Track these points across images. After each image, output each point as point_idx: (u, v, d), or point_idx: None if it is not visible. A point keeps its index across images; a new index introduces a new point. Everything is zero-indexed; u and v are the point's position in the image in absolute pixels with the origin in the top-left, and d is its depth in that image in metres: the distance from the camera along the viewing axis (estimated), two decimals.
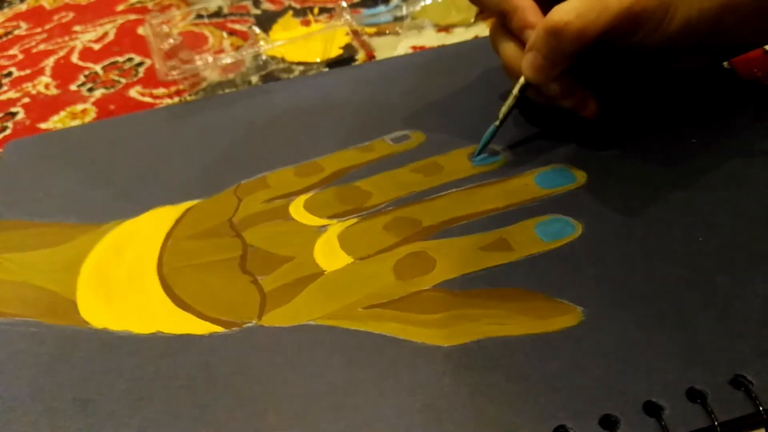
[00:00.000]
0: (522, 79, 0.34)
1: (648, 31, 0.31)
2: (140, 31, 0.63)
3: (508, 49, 0.36)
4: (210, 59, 0.51)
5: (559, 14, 0.30)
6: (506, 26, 0.35)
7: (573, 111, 0.35)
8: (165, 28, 0.54)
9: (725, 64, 0.43)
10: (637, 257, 0.29)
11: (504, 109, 0.35)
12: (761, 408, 0.22)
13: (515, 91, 0.35)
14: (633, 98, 0.39)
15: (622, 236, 0.30)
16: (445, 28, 0.54)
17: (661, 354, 0.25)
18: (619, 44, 0.32)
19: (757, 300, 0.26)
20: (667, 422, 0.22)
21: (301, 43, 0.54)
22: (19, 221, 0.37)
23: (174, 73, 0.48)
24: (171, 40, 0.52)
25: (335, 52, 0.51)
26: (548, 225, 0.31)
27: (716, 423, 0.22)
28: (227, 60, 0.52)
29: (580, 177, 0.34)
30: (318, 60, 0.52)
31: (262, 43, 0.53)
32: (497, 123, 0.36)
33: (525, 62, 0.33)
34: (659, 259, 0.29)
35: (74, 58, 0.60)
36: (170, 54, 0.51)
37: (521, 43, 0.35)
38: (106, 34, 0.64)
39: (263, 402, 0.25)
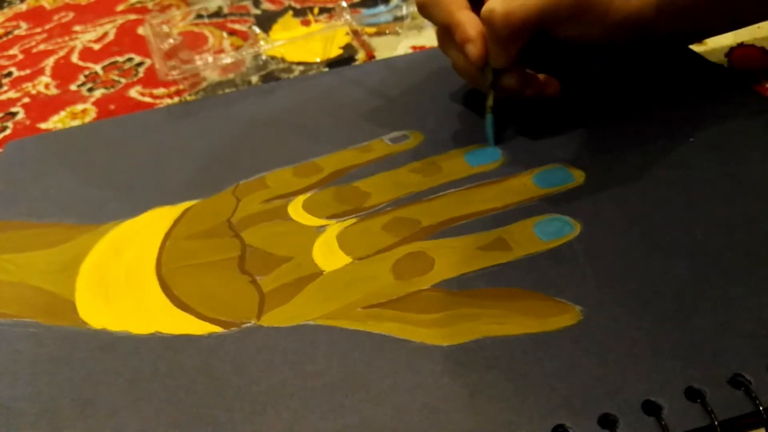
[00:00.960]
0: (489, 69, 0.37)
1: (588, 23, 0.34)
2: (140, 31, 0.63)
3: (454, 54, 0.38)
4: (210, 59, 0.51)
5: (488, 4, 0.33)
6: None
7: (537, 96, 0.38)
8: (165, 28, 0.54)
9: (725, 64, 0.43)
10: (636, 256, 0.29)
11: (489, 103, 0.37)
12: (761, 407, 0.22)
13: (489, 78, 0.37)
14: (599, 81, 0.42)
15: (621, 235, 0.30)
16: None
17: (660, 353, 0.25)
18: (562, 35, 0.35)
19: (755, 299, 0.26)
20: (666, 421, 0.22)
21: (301, 43, 0.54)
22: (18, 222, 0.37)
23: (174, 73, 0.48)
24: (171, 40, 0.52)
25: (335, 52, 0.51)
26: (547, 224, 0.31)
27: (716, 422, 0.22)
28: (227, 60, 0.52)
29: (579, 176, 0.34)
30: (318, 60, 0.52)
31: (262, 43, 0.53)
32: (490, 114, 0.37)
33: (470, 48, 0.35)
34: (658, 258, 0.29)
35: (74, 58, 0.60)
36: (170, 54, 0.51)
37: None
38: (106, 34, 0.64)
39: (262, 402, 0.25)
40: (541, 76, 0.38)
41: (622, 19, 0.34)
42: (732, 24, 0.39)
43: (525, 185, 0.34)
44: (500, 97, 0.38)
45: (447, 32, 0.37)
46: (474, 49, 0.35)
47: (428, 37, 0.53)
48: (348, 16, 0.53)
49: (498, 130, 0.38)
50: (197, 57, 0.53)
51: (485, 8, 0.34)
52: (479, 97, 0.41)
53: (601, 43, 0.36)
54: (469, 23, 0.35)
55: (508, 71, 0.36)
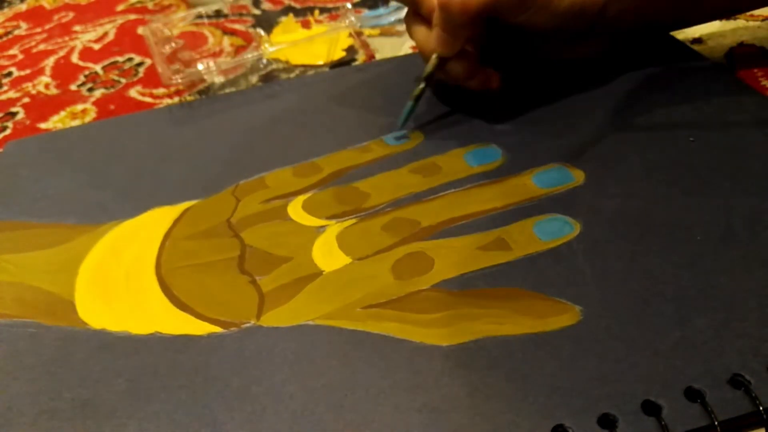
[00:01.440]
0: (433, 59, 0.38)
1: (536, 9, 0.36)
2: (140, 31, 0.63)
3: (420, 33, 0.39)
4: (212, 64, 0.51)
5: None
6: (418, 13, 0.39)
7: (479, 88, 0.39)
8: (165, 31, 0.54)
9: (725, 64, 0.43)
10: (636, 256, 0.29)
11: (416, 92, 0.39)
12: (761, 407, 0.22)
13: (428, 69, 0.38)
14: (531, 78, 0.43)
15: (621, 235, 0.30)
16: None
17: (660, 353, 0.25)
18: (512, 21, 0.37)
19: (755, 299, 0.26)
20: (666, 421, 0.22)
21: (305, 45, 0.54)
22: (17, 222, 0.37)
23: (178, 77, 0.48)
24: (173, 44, 0.52)
25: (338, 54, 0.51)
26: (546, 224, 0.31)
27: (716, 422, 0.22)
28: (231, 65, 0.52)
29: (578, 176, 0.34)
30: (321, 62, 0.52)
31: (266, 45, 0.53)
32: (412, 102, 0.39)
33: (432, 37, 0.37)
34: (657, 258, 0.29)
35: (74, 58, 0.60)
36: (171, 56, 0.51)
37: (431, 27, 0.38)
38: (106, 34, 0.64)
39: (262, 402, 0.25)
40: (489, 70, 0.39)
41: (568, 5, 0.36)
42: (689, 19, 0.41)
43: (525, 185, 0.34)
44: (443, 81, 0.39)
45: (414, 9, 0.40)
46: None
47: None
48: (353, 18, 0.53)
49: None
50: (198, 58, 0.53)
51: None
52: (479, 97, 0.41)
53: (551, 30, 0.38)
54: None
55: (456, 59, 0.37)
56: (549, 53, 0.41)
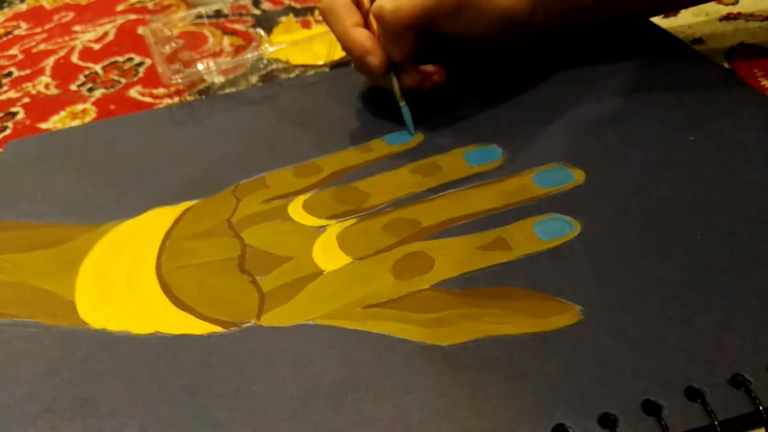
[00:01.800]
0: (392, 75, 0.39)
1: (468, 19, 0.37)
2: (140, 31, 0.63)
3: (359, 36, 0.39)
4: (212, 64, 0.51)
5: (377, 3, 0.36)
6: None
7: (416, 88, 0.40)
8: (166, 31, 0.54)
9: (725, 64, 0.43)
10: (636, 256, 0.29)
11: (401, 101, 0.39)
12: (761, 407, 0.22)
13: (395, 88, 0.39)
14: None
15: (621, 235, 0.30)
16: None
17: (660, 353, 0.25)
18: (447, 30, 0.38)
19: (755, 299, 0.26)
20: (666, 421, 0.22)
21: (305, 45, 0.54)
22: (17, 222, 0.37)
23: (178, 77, 0.48)
24: (173, 44, 0.52)
25: (338, 54, 0.51)
26: (547, 224, 0.31)
27: (716, 422, 0.22)
28: (231, 65, 0.52)
29: (579, 176, 0.34)
30: (321, 62, 0.52)
31: (266, 45, 0.53)
32: (404, 103, 0.40)
33: (372, 59, 0.38)
34: (657, 257, 0.29)
35: (74, 58, 0.60)
36: (171, 56, 0.51)
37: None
38: (106, 34, 0.64)
39: (262, 402, 0.25)
40: (429, 68, 0.40)
41: (499, 14, 0.37)
42: (614, 21, 0.44)
43: (525, 185, 0.34)
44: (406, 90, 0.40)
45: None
46: (375, 59, 0.38)
47: None
48: None
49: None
50: (198, 58, 0.53)
51: (374, 7, 0.37)
52: (481, 99, 0.41)
53: (485, 37, 0.39)
54: (364, 38, 0.38)
55: (405, 72, 0.39)
56: (478, 56, 0.42)
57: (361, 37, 0.38)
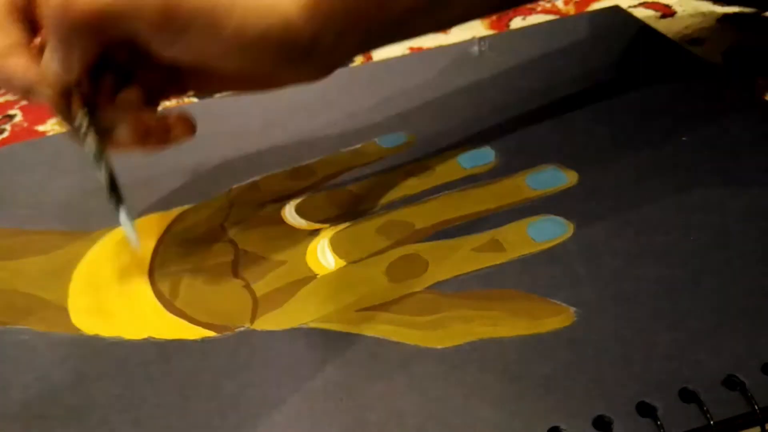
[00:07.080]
0: (80, 117, 0.29)
1: (195, 40, 0.26)
2: None
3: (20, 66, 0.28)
4: None
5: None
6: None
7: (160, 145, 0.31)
8: None
9: (720, 62, 0.43)
10: (629, 257, 0.29)
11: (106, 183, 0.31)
12: (756, 407, 0.22)
13: (92, 147, 0.30)
14: None
15: (614, 236, 0.30)
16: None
17: (654, 354, 0.25)
18: (162, 53, 0.27)
19: (749, 300, 0.26)
20: (661, 422, 0.22)
21: None
22: (9, 229, 0.37)
23: None
24: None
25: None
26: (540, 225, 0.31)
27: (711, 422, 0.22)
28: None
29: (572, 177, 0.34)
30: None
31: None
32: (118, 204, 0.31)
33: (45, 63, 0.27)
34: (651, 258, 0.29)
35: None
36: None
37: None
38: None
39: (256, 406, 0.25)
40: (172, 117, 0.31)
41: (257, 35, 0.26)
42: (418, 34, 0.33)
43: (518, 187, 0.34)
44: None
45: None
46: (48, 92, 0.27)
47: (426, 39, 0.53)
48: None
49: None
50: None
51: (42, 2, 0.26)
52: (476, 101, 0.41)
53: (233, 70, 0.29)
54: (25, 70, 0.27)
55: (122, 121, 0.29)
56: (243, 88, 0.33)
57: (24, 67, 0.27)
